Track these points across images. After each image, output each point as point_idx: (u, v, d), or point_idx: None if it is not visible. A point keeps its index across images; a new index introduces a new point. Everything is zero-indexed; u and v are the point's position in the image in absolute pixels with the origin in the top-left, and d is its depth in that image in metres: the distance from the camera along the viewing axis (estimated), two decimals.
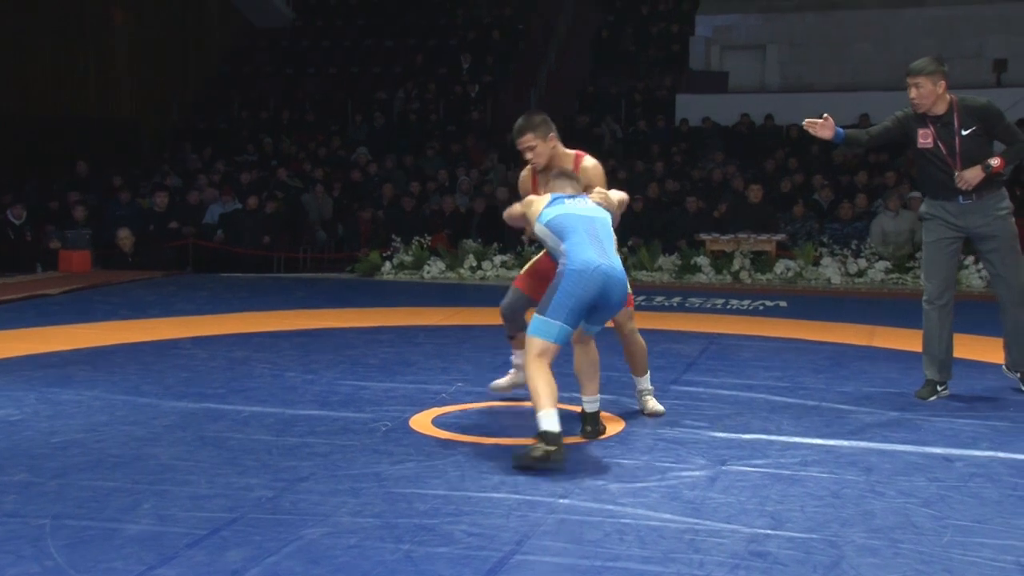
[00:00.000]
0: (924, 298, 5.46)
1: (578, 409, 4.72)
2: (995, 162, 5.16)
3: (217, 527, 3.37)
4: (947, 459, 4.24)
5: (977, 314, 7.52)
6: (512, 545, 3.22)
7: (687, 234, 12.13)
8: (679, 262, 11.35)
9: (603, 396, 4.71)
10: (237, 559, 3.10)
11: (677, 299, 9.68)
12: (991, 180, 5.22)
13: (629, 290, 4.60)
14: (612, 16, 20.26)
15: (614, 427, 4.74)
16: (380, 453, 4.28)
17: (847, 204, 12.54)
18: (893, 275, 10.84)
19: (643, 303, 9.30)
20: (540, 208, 4.46)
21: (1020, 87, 15.02)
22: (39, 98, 16.64)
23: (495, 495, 3.71)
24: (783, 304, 9.31)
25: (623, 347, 5.00)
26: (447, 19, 20.80)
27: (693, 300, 9.60)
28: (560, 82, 19.33)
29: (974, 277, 10.35)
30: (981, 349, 6.56)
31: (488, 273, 11.56)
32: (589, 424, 4.58)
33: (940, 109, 5.25)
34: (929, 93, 5.21)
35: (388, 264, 11.87)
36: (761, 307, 9.13)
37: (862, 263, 11.01)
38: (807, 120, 5.40)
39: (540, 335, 4.17)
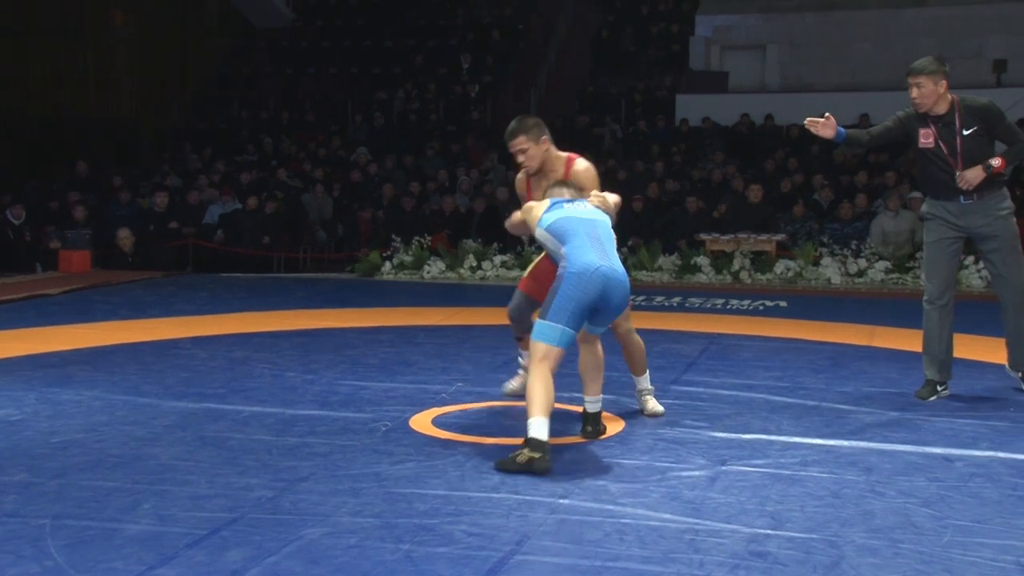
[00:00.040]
0: (925, 298, 5.46)
1: (579, 409, 4.72)
2: (996, 162, 5.16)
3: (217, 527, 3.37)
4: (947, 459, 4.24)
5: (977, 314, 7.52)
6: (512, 545, 3.22)
7: (687, 234, 12.13)
8: (679, 262, 11.35)
9: (604, 396, 4.70)
10: (237, 559, 3.10)
11: (677, 299, 9.68)
12: (992, 180, 5.22)
13: None
14: (612, 16, 20.26)
15: (614, 427, 4.74)
16: (380, 453, 4.28)
17: (847, 204, 12.54)
18: (893, 275, 10.84)
19: (643, 303, 9.30)
20: (540, 213, 4.46)
21: (1020, 87, 15.01)
22: (39, 98, 16.64)
23: (495, 495, 3.71)
24: (783, 304, 9.30)
25: (621, 347, 5.00)
26: (447, 19, 20.80)
27: (693, 300, 9.60)
28: (560, 82, 19.34)
29: (974, 277, 10.35)
30: (981, 349, 6.57)
31: (488, 273, 11.56)
32: (590, 424, 4.58)
33: (941, 109, 5.25)
34: (930, 93, 5.21)
35: (388, 264, 11.87)
36: (761, 307, 9.13)
37: (862, 263, 11.01)
38: (809, 119, 5.40)
39: (542, 339, 4.17)
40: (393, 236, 12.24)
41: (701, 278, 11.11)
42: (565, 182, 4.68)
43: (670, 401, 5.25)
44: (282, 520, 3.45)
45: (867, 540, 3.29)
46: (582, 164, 4.84)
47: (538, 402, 4.04)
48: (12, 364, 6.21)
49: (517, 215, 4.74)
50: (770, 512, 3.56)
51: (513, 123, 4.85)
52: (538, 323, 4.21)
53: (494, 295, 10.04)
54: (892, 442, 4.50)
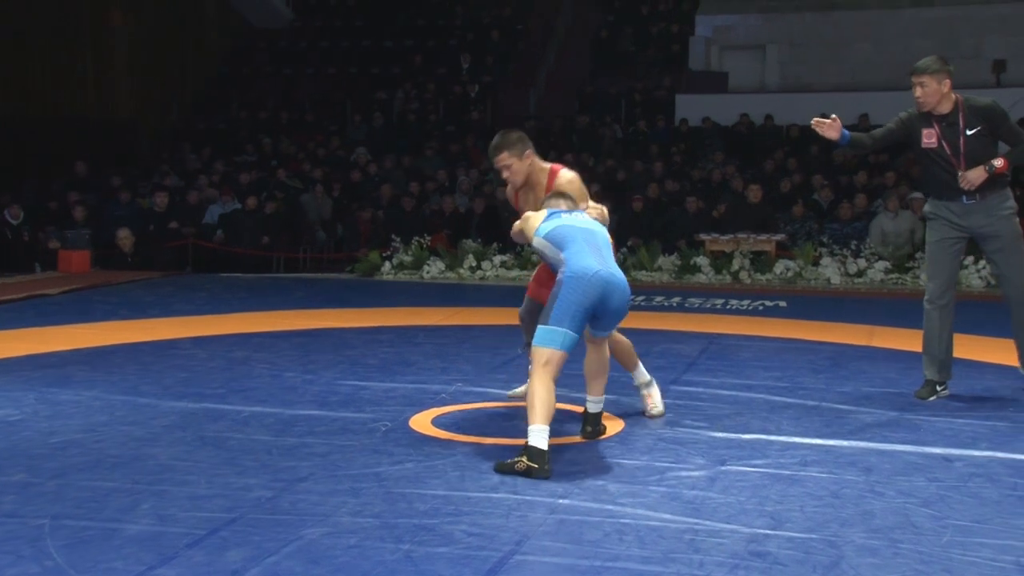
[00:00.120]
0: (926, 297, 5.46)
1: (579, 409, 4.72)
2: (998, 163, 5.16)
3: (216, 527, 3.36)
4: (946, 459, 4.24)
5: (977, 314, 7.53)
6: (512, 545, 3.22)
7: (687, 234, 12.13)
8: (679, 262, 11.36)
9: (604, 397, 4.70)
10: (237, 559, 3.10)
11: (677, 299, 9.68)
12: (995, 180, 5.21)
13: None
14: (612, 16, 20.27)
15: (614, 427, 4.74)
16: (380, 453, 4.28)
17: (847, 204, 12.54)
18: (893, 275, 10.84)
19: (643, 303, 9.30)
20: (537, 223, 4.48)
21: (1019, 87, 15.01)
22: (38, 98, 16.63)
23: (495, 495, 3.71)
24: (783, 304, 9.31)
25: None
26: (446, 19, 20.80)
27: (693, 300, 9.60)
28: (559, 82, 19.34)
29: (974, 277, 10.35)
30: (981, 349, 6.57)
31: (488, 273, 11.56)
32: (590, 424, 4.58)
33: (945, 108, 5.25)
34: (934, 92, 5.21)
35: (388, 264, 11.87)
36: (761, 307, 9.13)
37: (862, 263, 11.01)
38: (815, 119, 5.41)
39: (544, 344, 4.16)
40: (393, 236, 12.24)
41: (701, 278, 11.11)
42: (562, 193, 4.66)
43: (670, 401, 5.24)
44: (282, 520, 3.45)
45: (867, 540, 3.29)
46: (567, 175, 4.81)
47: (539, 410, 4.03)
48: (11, 364, 6.21)
49: (518, 225, 4.74)
50: (770, 512, 3.56)
51: (496, 139, 4.82)
52: (540, 328, 4.20)
53: (494, 295, 10.06)
54: (892, 442, 4.50)
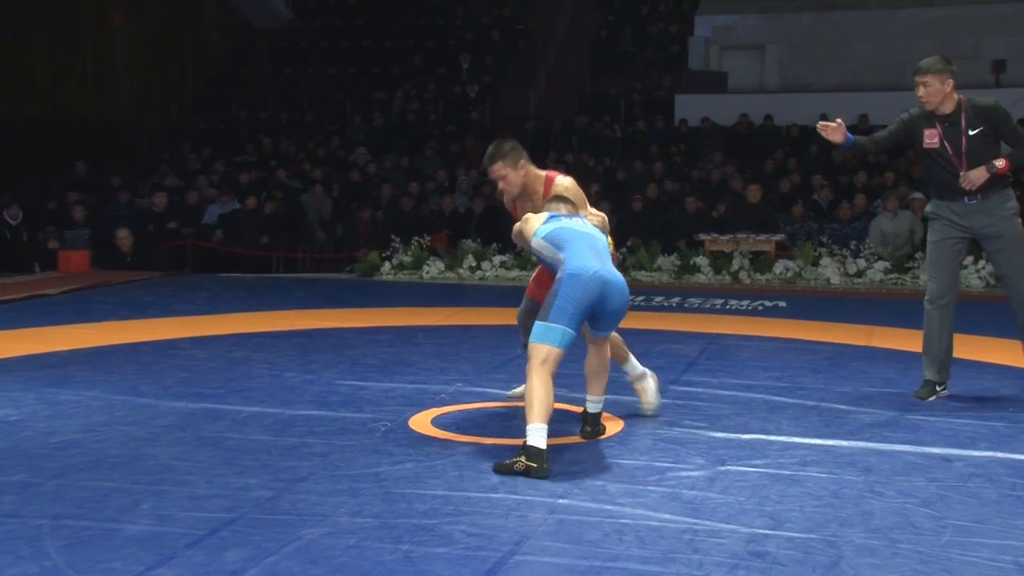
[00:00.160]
0: (926, 297, 5.46)
1: (579, 409, 4.72)
2: (1000, 163, 5.15)
3: (216, 527, 3.36)
4: (946, 459, 4.24)
5: (977, 314, 7.52)
6: (511, 545, 3.22)
7: (686, 234, 12.13)
8: (678, 262, 11.36)
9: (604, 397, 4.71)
10: (236, 559, 3.10)
11: (676, 299, 9.68)
12: (996, 181, 5.21)
13: None
14: (611, 16, 20.27)
15: (613, 427, 4.74)
16: (379, 453, 4.28)
17: (846, 204, 12.55)
18: (892, 275, 10.84)
19: (642, 303, 9.31)
20: (536, 226, 4.48)
21: (1018, 87, 15.01)
22: (38, 98, 16.63)
23: (494, 495, 3.71)
24: (782, 304, 9.31)
25: None
26: (446, 19, 20.80)
27: (692, 300, 9.60)
28: (559, 82, 19.34)
29: (973, 277, 10.36)
30: (980, 349, 6.57)
31: (487, 273, 11.56)
32: (589, 424, 4.58)
33: (948, 108, 5.24)
34: (937, 92, 5.21)
35: (387, 264, 11.87)
36: (760, 307, 9.13)
37: (861, 263, 11.02)
38: (821, 123, 5.40)
39: (542, 341, 4.16)
40: (392, 236, 12.24)
41: (700, 278, 11.11)
42: (561, 197, 4.66)
43: (669, 401, 5.25)
44: (281, 520, 3.45)
45: (866, 540, 3.29)
46: (563, 182, 4.80)
47: (537, 408, 4.03)
48: (11, 364, 6.21)
49: (518, 227, 4.73)
50: (769, 512, 3.56)
51: (490, 149, 4.80)
52: (537, 325, 4.20)
53: (493, 295, 10.06)
54: (891, 442, 4.50)
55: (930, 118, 5.30)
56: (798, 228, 12.34)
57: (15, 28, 16.03)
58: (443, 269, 11.69)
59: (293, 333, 7.50)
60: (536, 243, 4.44)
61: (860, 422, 4.88)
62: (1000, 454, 4.31)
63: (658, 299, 9.69)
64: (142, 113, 18.60)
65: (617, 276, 4.30)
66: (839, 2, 18.22)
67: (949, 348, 5.41)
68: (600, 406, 4.60)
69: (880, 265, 10.94)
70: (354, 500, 3.65)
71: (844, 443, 4.48)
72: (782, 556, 3.15)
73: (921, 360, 5.50)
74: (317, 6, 21.86)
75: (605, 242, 4.47)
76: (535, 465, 3.91)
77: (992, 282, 10.30)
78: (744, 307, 9.14)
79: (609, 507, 3.60)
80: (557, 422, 4.53)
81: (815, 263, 11.15)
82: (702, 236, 11.76)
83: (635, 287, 10.49)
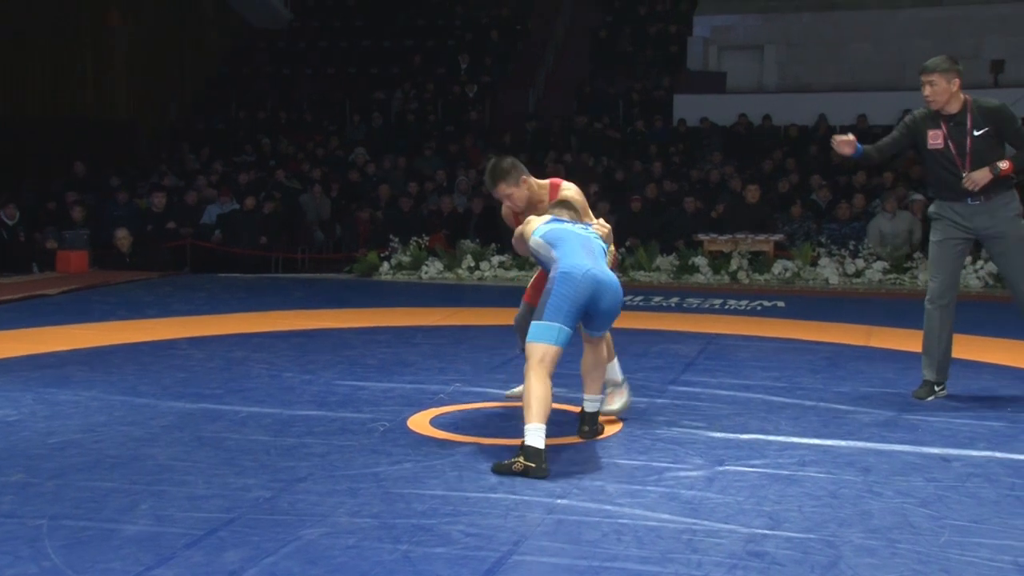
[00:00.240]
0: (927, 297, 5.46)
1: (577, 409, 4.72)
2: (1004, 165, 5.15)
3: (215, 527, 3.36)
4: (944, 459, 4.25)
5: (975, 314, 7.53)
6: (510, 545, 3.22)
7: (685, 234, 12.13)
8: (677, 262, 11.36)
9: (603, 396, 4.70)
10: (235, 559, 3.10)
11: (675, 299, 9.68)
12: (1000, 182, 5.20)
13: None
14: (610, 16, 20.28)
15: (612, 427, 4.74)
16: (378, 453, 4.28)
17: (845, 204, 12.55)
18: (891, 275, 10.84)
19: (641, 303, 9.31)
20: (537, 226, 4.50)
21: (1017, 87, 15.02)
22: (37, 99, 16.63)
23: (493, 495, 3.71)
24: (781, 304, 9.31)
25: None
26: (445, 20, 20.80)
27: (691, 300, 9.60)
28: (558, 82, 19.35)
29: (972, 277, 10.36)
30: (979, 349, 6.57)
31: (486, 274, 11.56)
32: (587, 424, 4.58)
33: (953, 108, 5.24)
34: (943, 91, 5.20)
35: (386, 264, 11.86)
36: (759, 307, 9.13)
37: (860, 263, 11.02)
38: (835, 137, 5.38)
39: (539, 339, 4.17)
40: (391, 236, 12.23)
41: (699, 278, 11.11)
42: (565, 203, 4.66)
43: (668, 401, 5.26)
44: (280, 520, 3.45)
45: (865, 540, 3.30)
46: (568, 190, 4.82)
47: (535, 408, 4.03)
48: (10, 364, 6.20)
49: (518, 231, 4.73)
50: (768, 512, 3.56)
51: (490, 171, 4.79)
52: (533, 325, 4.21)
53: (492, 296, 10.06)
54: (890, 442, 4.50)
55: (935, 118, 5.29)
56: (797, 228, 12.34)
57: (15, 28, 16.02)
58: (442, 269, 11.69)
59: (292, 333, 7.50)
60: (534, 242, 4.45)
61: (859, 422, 4.88)
62: (999, 454, 4.31)
63: (657, 299, 9.69)
64: (141, 113, 18.60)
65: (610, 276, 4.31)
66: (838, 2, 18.22)
67: (948, 348, 5.41)
68: (597, 405, 4.61)
69: (879, 265, 10.94)
70: (353, 500, 3.66)
71: (843, 443, 4.48)
72: (781, 556, 3.16)
73: (920, 360, 5.50)
74: (316, 6, 21.86)
75: (601, 244, 4.47)
76: (533, 465, 3.91)
77: (991, 282, 10.31)
78: (743, 307, 9.14)
79: (607, 507, 3.60)
80: (556, 423, 4.53)
81: (814, 263, 11.15)
82: (701, 236, 11.76)
83: (634, 287, 10.55)
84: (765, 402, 5.29)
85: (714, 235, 11.72)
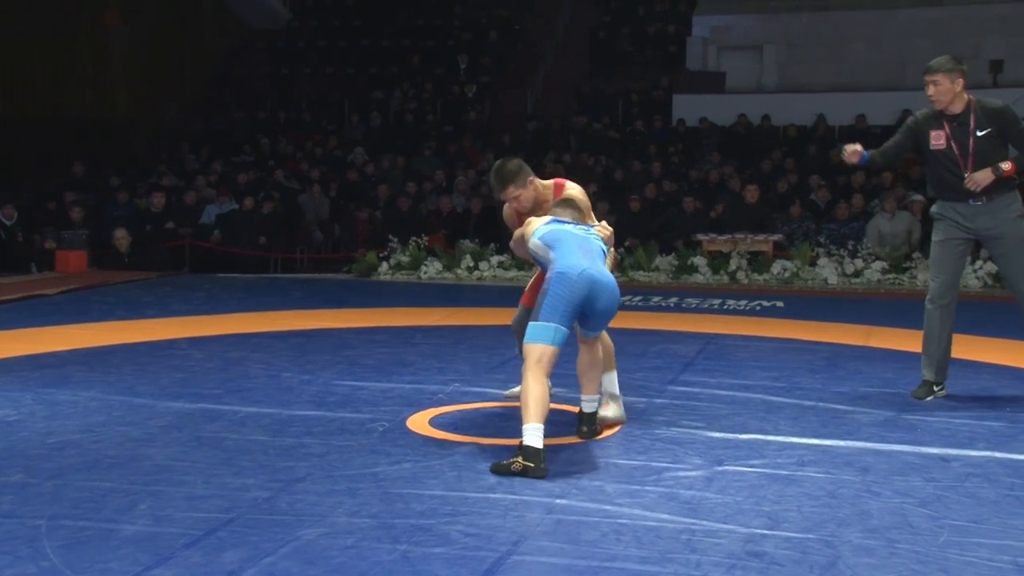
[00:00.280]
0: (927, 297, 5.46)
1: (575, 409, 4.72)
2: (1006, 166, 5.14)
3: (213, 528, 3.36)
4: (944, 459, 4.25)
5: (975, 314, 7.52)
6: (509, 545, 3.22)
7: (684, 234, 12.14)
8: (676, 262, 11.36)
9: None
10: (234, 560, 3.10)
11: (674, 299, 9.68)
12: (1002, 183, 5.20)
13: None
14: (609, 17, 20.28)
15: (611, 427, 4.73)
16: (377, 453, 4.28)
17: (844, 204, 12.55)
18: (890, 275, 10.85)
19: (640, 303, 9.32)
20: (537, 226, 4.49)
21: (1016, 87, 15.02)
22: (36, 98, 16.62)
23: (492, 495, 3.71)
24: (780, 304, 9.31)
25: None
26: (444, 19, 20.80)
27: (690, 300, 9.60)
28: (557, 82, 19.35)
29: (971, 278, 10.36)
30: (978, 349, 6.57)
31: (485, 274, 11.56)
32: (586, 424, 4.58)
33: (957, 108, 5.23)
34: (947, 91, 5.20)
35: (385, 264, 11.87)
36: (758, 307, 9.13)
37: (859, 263, 11.02)
38: (848, 147, 5.39)
39: (536, 340, 4.17)
40: (390, 236, 12.24)
41: (698, 278, 11.12)
42: (568, 202, 4.66)
43: (667, 401, 5.26)
44: (279, 521, 3.44)
45: (863, 540, 3.30)
46: (572, 189, 4.82)
47: (533, 408, 4.03)
48: (8, 364, 6.20)
49: (519, 232, 4.72)
50: (767, 512, 3.56)
51: (496, 174, 4.78)
52: (530, 326, 4.21)
53: (491, 296, 10.06)
54: (889, 442, 4.50)
55: (938, 118, 5.29)
56: (796, 228, 12.34)
57: (14, 28, 16.01)
58: (441, 269, 11.69)
59: (291, 333, 7.49)
60: (533, 243, 4.45)
61: (858, 422, 4.88)
62: (998, 454, 4.31)
63: (656, 299, 9.69)
64: (140, 113, 18.60)
65: (607, 276, 4.31)
66: (837, 2, 18.22)
67: (948, 348, 5.41)
68: (595, 405, 4.61)
69: (878, 265, 10.94)
70: (352, 500, 3.65)
71: (842, 443, 4.48)
72: (780, 556, 3.15)
73: (919, 360, 5.50)
74: (315, 6, 21.86)
75: (599, 246, 4.46)
76: (532, 465, 3.91)
77: (990, 282, 10.31)
78: (742, 307, 9.14)
79: (607, 507, 3.60)
80: (554, 422, 4.53)
81: (813, 263, 11.15)
82: (700, 236, 11.76)
83: (633, 287, 10.55)
84: (764, 402, 5.29)
85: (713, 235, 11.72)
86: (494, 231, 12.04)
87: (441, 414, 5.02)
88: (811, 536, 3.32)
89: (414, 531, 3.34)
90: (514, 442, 4.13)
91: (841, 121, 15.90)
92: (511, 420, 4.83)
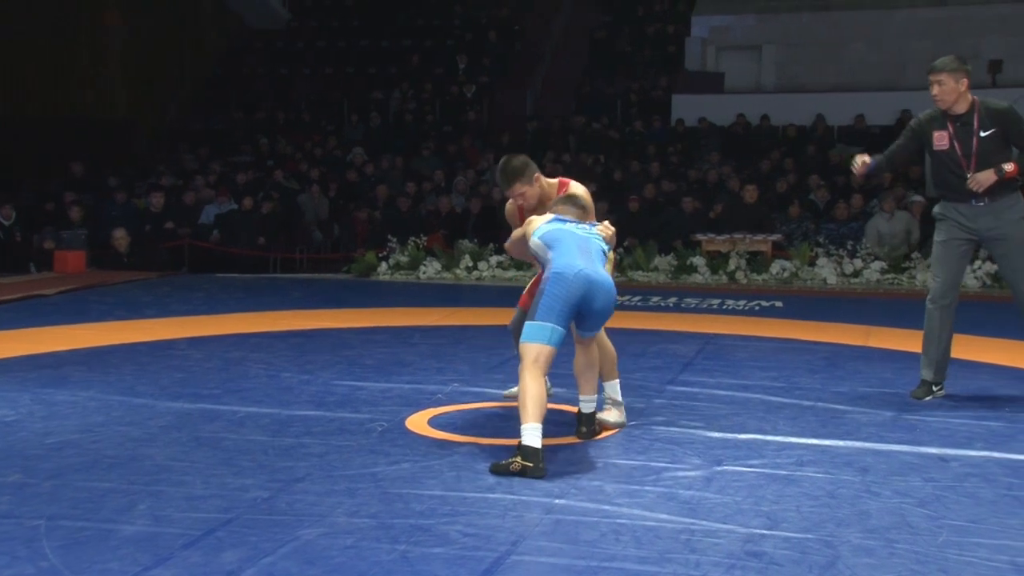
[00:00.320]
0: (928, 296, 5.46)
1: (574, 409, 4.72)
2: (1009, 167, 5.13)
3: (212, 528, 3.36)
4: (942, 459, 4.25)
5: (973, 314, 7.52)
6: (508, 545, 3.22)
7: (683, 234, 12.14)
8: (675, 262, 11.36)
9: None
10: (233, 560, 3.10)
11: (673, 299, 9.68)
12: (1005, 185, 5.19)
13: None
14: (608, 17, 20.28)
15: (610, 429, 4.73)
16: (376, 453, 4.28)
17: (843, 204, 12.56)
18: (889, 275, 10.85)
19: (639, 303, 9.32)
20: (538, 225, 4.49)
21: (1015, 87, 15.02)
22: (35, 98, 16.61)
23: (491, 495, 3.71)
24: (779, 304, 9.31)
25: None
26: (443, 20, 20.80)
27: (689, 300, 9.61)
28: (556, 83, 19.35)
29: (970, 278, 10.37)
30: (977, 349, 6.57)
31: (484, 274, 11.56)
32: (585, 424, 4.58)
33: (961, 108, 5.23)
34: (951, 91, 5.19)
35: (384, 264, 11.87)
36: (757, 307, 9.13)
37: (858, 263, 11.03)
38: (859, 160, 5.41)
39: (533, 340, 4.17)
40: (389, 236, 12.24)
41: (697, 278, 11.12)
42: (572, 199, 4.65)
43: (666, 401, 5.26)
44: (278, 521, 3.44)
45: (863, 540, 3.30)
46: (576, 189, 4.82)
47: (531, 408, 4.03)
48: (7, 365, 6.20)
49: (518, 232, 4.72)
50: (766, 512, 3.56)
51: (502, 170, 4.78)
52: (527, 326, 4.21)
53: (490, 296, 10.06)
54: (888, 442, 4.50)
55: (941, 119, 5.29)
56: (795, 228, 12.35)
57: (14, 28, 16.00)
58: (440, 269, 11.69)
59: (290, 333, 7.49)
60: (533, 242, 4.45)
61: (857, 422, 4.88)
62: (996, 454, 4.32)
63: (655, 299, 9.70)
64: (139, 113, 18.59)
65: (604, 276, 4.30)
66: (836, 2, 18.21)
67: (947, 349, 5.41)
68: (593, 405, 4.60)
69: (876, 265, 10.95)
70: (351, 500, 3.65)
71: (841, 443, 4.48)
72: (779, 556, 3.16)
73: (918, 360, 5.50)
74: (314, 6, 21.85)
75: (600, 245, 4.45)
76: (531, 465, 3.91)
77: (988, 282, 10.32)
78: (741, 307, 9.14)
79: (606, 507, 3.60)
80: (553, 422, 4.54)
81: (812, 263, 11.15)
82: (699, 236, 11.76)
83: (632, 287, 10.55)
84: (763, 402, 5.29)
85: (712, 235, 11.73)
86: (493, 231, 12.05)
87: (440, 414, 5.03)
88: (810, 536, 3.33)
89: (413, 531, 3.34)
90: (513, 442, 4.13)
91: (840, 121, 15.91)
92: (510, 420, 4.83)
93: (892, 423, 4.87)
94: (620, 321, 4.62)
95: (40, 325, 7.79)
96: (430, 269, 11.68)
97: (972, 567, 3.09)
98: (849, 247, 11.30)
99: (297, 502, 3.64)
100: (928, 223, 11.35)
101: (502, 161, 4.85)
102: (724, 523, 3.44)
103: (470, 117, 17.82)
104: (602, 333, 4.75)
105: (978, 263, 10.37)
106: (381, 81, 19.11)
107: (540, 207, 4.81)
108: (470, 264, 11.65)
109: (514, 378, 5.50)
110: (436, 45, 20.05)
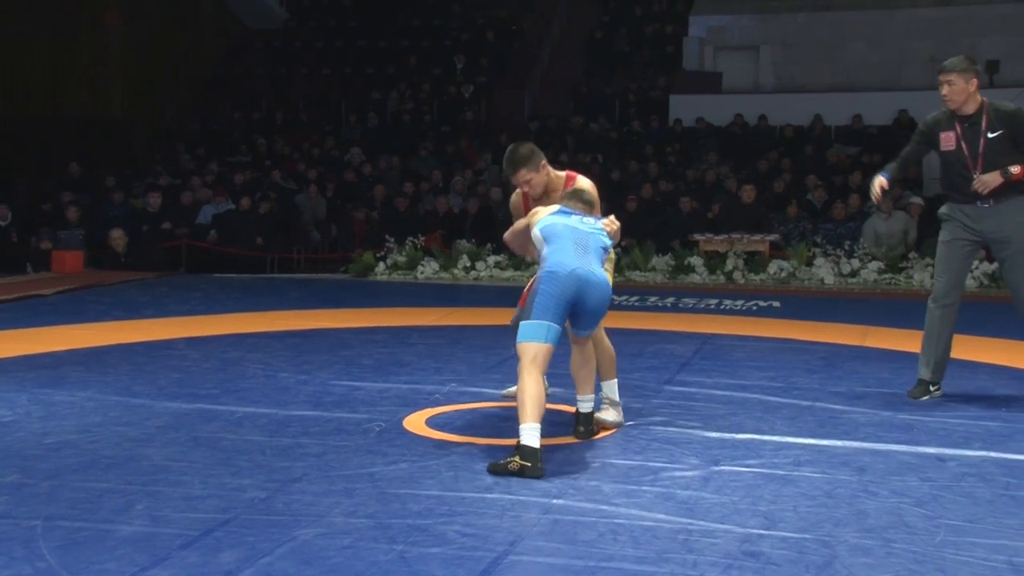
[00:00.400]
0: (930, 296, 5.46)
1: (571, 409, 4.72)
2: (1015, 169, 5.13)
3: (210, 528, 3.36)
4: (940, 459, 4.25)
5: (971, 314, 7.51)
6: (506, 546, 3.22)
7: (681, 234, 12.14)
8: (673, 262, 11.37)
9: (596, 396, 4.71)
10: (230, 560, 3.10)
11: (671, 299, 9.69)
12: (1011, 187, 5.19)
13: None
14: (606, 17, 20.28)
15: (607, 429, 4.73)
16: (374, 454, 4.28)
17: (840, 204, 12.56)
18: (886, 275, 10.86)
19: (636, 303, 9.32)
20: (542, 216, 4.48)
21: (1013, 88, 15.03)
22: (32, 98, 16.60)
23: (489, 496, 3.71)
24: (776, 304, 9.32)
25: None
26: (441, 20, 20.79)
27: (687, 300, 9.61)
28: (554, 83, 19.35)
29: (967, 278, 10.37)
30: (975, 349, 6.58)
31: (482, 274, 11.56)
32: (582, 424, 4.58)
33: (970, 109, 5.23)
34: (961, 91, 5.19)
35: (382, 265, 11.87)
36: (754, 307, 9.14)
37: (855, 263, 11.03)
38: (877, 183, 5.42)
39: (530, 339, 4.17)
40: (387, 236, 12.24)
41: (695, 278, 11.12)
42: (580, 195, 4.64)
43: (663, 401, 5.26)
44: (275, 521, 3.44)
45: (860, 540, 3.30)
46: (583, 183, 4.83)
47: (529, 408, 4.03)
48: (5, 365, 6.20)
49: (521, 223, 4.71)
50: (763, 512, 3.56)
51: (511, 156, 4.77)
52: (523, 324, 4.21)
53: (488, 296, 10.06)
54: (885, 442, 4.51)
55: (949, 119, 5.28)
56: (792, 228, 12.35)
57: (14, 28, 15.99)
58: (437, 269, 11.69)
59: (288, 333, 7.49)
60: (534, 233, 4.44)
61: (854, 422, 4.89)
62: (994, 454, 4.32)
63: (652, 299, 9.70)
64: (137, 113, 18.57)
65: (598, 274, 4.29)
66: (834, 2, 18.23)
67: (947, 349, 5.41)
68: (591, 405, 4.60)
69: (874, 265, 10.95)
70: (349, 500, 3.65)
71: (838, 443, 4.49)
72: (776, 556, 3.16)
73: (916, 360, 5.51)
74: (312, 6, 21.84)
75: (601, 241, 4.45)
76: (529, 465, 3.92)
77: (986, 282, 10.32)
78: (738, 307, 9.15)
79: (604, 507, 3.60)
80: (551, 422, 4.54)
81: (809, 263, 11.16)
82: (696, 236, 11.76)
83: (630, 287, 10.56)
84: (761, 402, 5.29)
85: (710, 235, 11.73)
86: (491, 231, 12.05)
87: (438, 414, 5.03)
88: (807, 536, 3.33)
89: (411, 531, 3.34)
90: (511, 442, 4.14)
91: (838, 121, 15.91)
92: (508, 420, 4.83)
93: (889, 423, 4.87)
94: (618, 321, 4.63)
95: (38, 325, 7.78)
96: (428, 269, 11.68)
97: (969, 567, 3.09)
98: (846, 247, 11.31)
99: (295, 502, 3.64)
100: (926, 223, 11.38)
101: (509, 148, 4.85)
102: (721, 523, 3.44)
103: (468, 117, 17.82)
104: (602, 333, 4.76)
105: (976, 263, 10.37)
106: (379, 81, 19.11)
107: (546, 198, 4.81)
108: (468, 264, 11.65)
109: (512, 378, 5.51)
110: (434, 45, 20.04)
